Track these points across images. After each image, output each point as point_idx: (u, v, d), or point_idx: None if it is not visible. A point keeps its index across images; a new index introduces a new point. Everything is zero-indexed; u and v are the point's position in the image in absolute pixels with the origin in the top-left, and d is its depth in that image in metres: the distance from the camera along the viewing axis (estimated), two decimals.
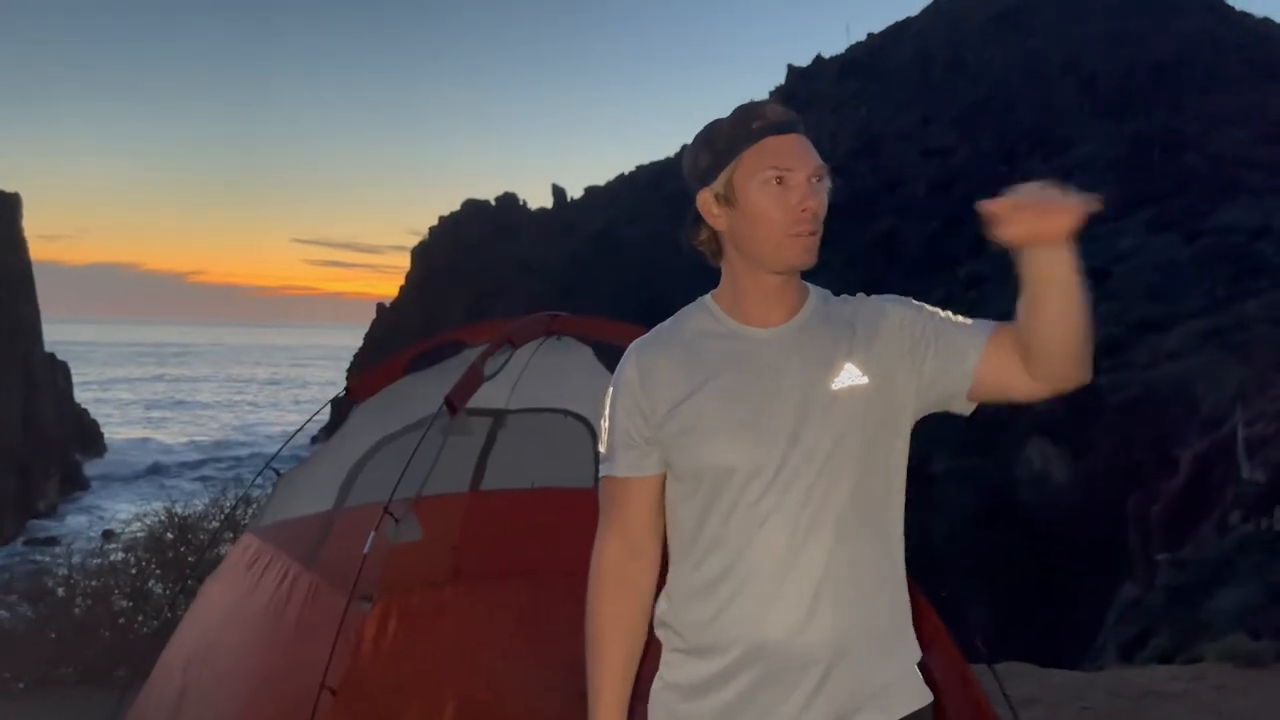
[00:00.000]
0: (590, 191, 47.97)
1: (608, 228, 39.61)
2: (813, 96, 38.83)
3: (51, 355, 45.43)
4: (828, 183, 1.55)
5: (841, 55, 40.01)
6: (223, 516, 5.69)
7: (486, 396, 3.76)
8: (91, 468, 46.31)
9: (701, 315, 1.61)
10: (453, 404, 3.12)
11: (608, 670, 1.59)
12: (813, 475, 1.50)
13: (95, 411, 53.39)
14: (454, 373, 3.49)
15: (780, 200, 1.50)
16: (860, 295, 1.65)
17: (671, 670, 1.58)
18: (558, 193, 50.14)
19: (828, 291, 1.65)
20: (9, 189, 42.94)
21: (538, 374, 3.95)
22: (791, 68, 41.70)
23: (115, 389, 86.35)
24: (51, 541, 27.57)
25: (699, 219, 1.59)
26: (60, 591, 5.75)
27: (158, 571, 5.86)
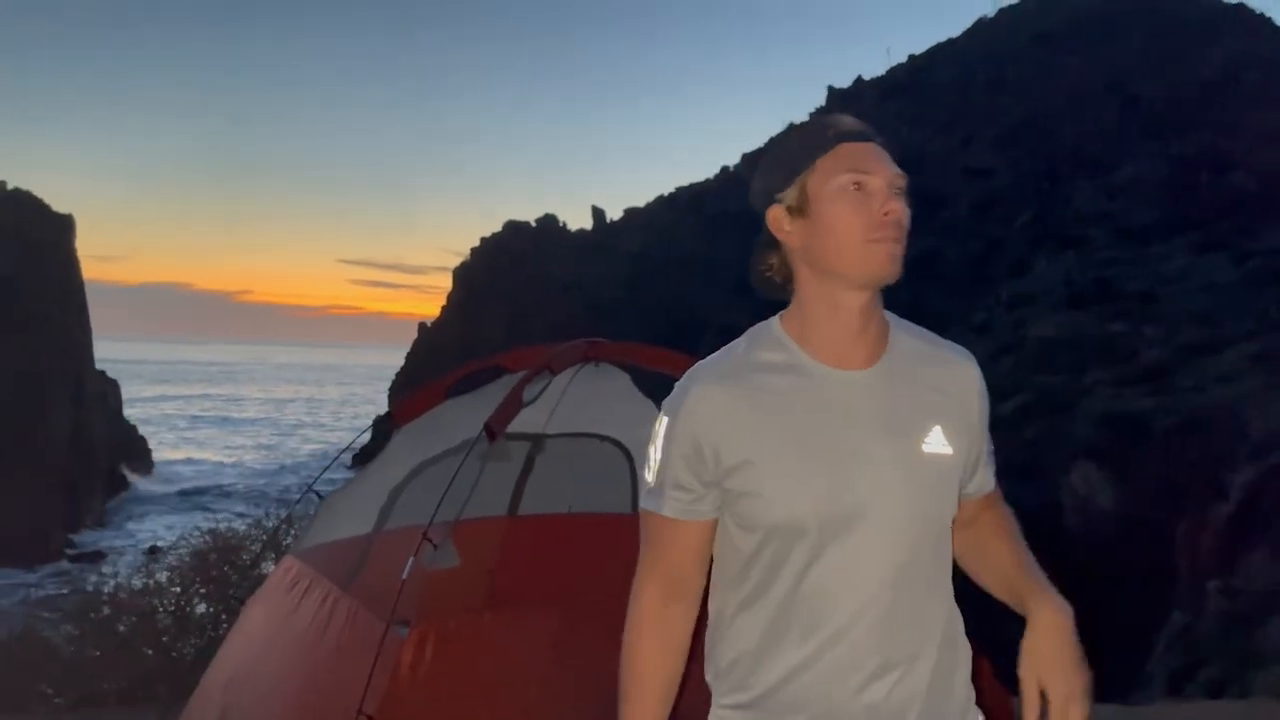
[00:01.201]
0: (629, 213, 48.19)
1: (646, 249, 39.71)
2: (850, 113, 38.70)
3: (102, 373, 46.30)
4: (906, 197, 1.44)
5: (882, 77, 39.98)
6: (264, 537, 5.76)
7: (525, 421, 3.78)
8: (139, 484, 47.06)
9: (771, 345, 1.47)
10: (492, 430, 3.15)
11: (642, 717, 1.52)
12: (891, 539, 1.42)
13: (144, 428, 54.27)
14: (493, 398, 3.51)
15: (860, 206, 1.39)
16: (942, 341, 1.55)
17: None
18: (597, 214, 50.41)
19: (907, 324, 1.54)
20: (62, 210, 44.05)
21: (576, 399, 3.97)
22: (832, 89, 41.68)
23: (163, 406, 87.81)
24: (98, 557, 28.04)
25: (770, 242, 1.48)
26: (105, 609, 5.85)
27: (201, 591, 5.94)
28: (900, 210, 1.40)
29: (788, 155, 1.45)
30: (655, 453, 1.50)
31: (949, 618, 1.50)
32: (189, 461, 57.72)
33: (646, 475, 1.52)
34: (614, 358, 3.80)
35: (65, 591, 7.04)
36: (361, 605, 3.01)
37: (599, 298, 39.57)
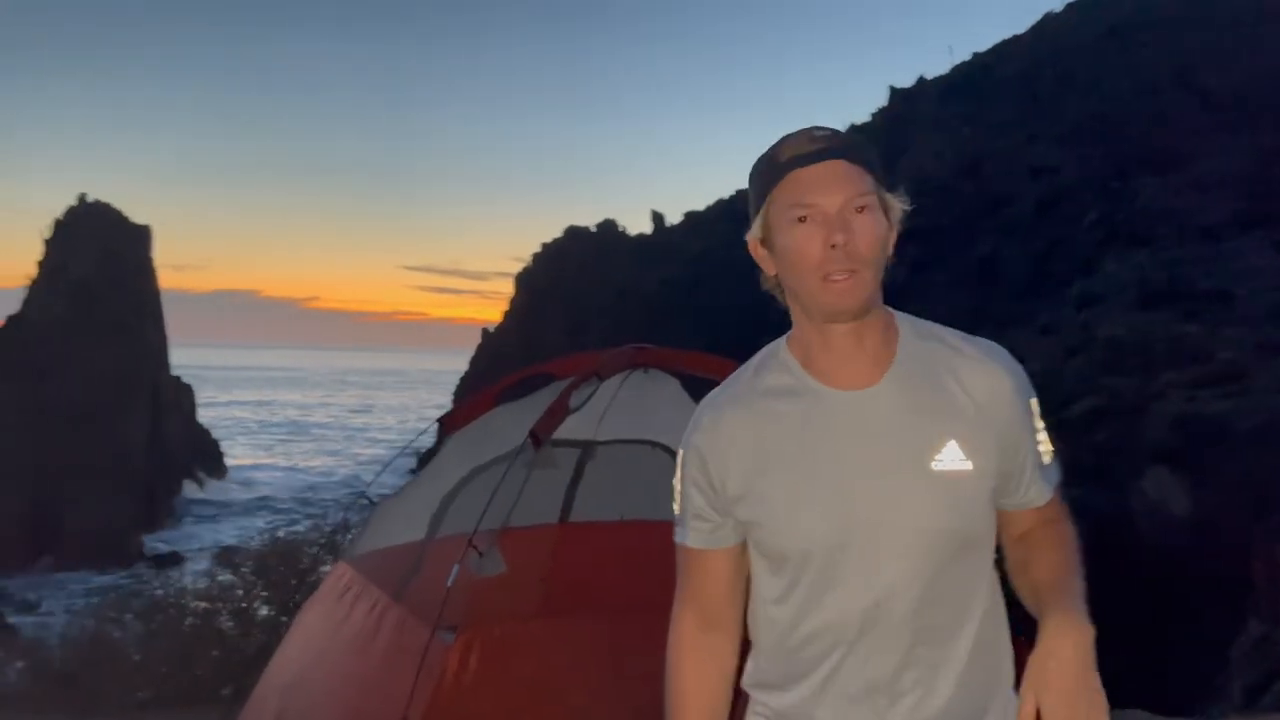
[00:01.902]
0: (689, 217, 48.09)
1: (706, 253, 39.58)
2: (915, 117, 38.21)
3: (177, 378, 47.62)
4: (890, 209, 1.37)
5: (945, 76, 39.36)
6: (322, 541, 5.86)
7: (574, 428, 3.79)
8: (212, 487, 48.27)
9: (776, 368, 1.45)
10: (537, 437, 3.16)
11: None
12: (901, 562, 1.37)
13: (216, 433, 55.61)
14: (542, 405, 3.53)
15: (808, 238, 1.33)
16: (966, 343, 1.44)
17: None
18: (657, 219, 50.45)
19: (921, 325, 1.46)
20: (140, 221, 45.45)
21: (625, 406, 3.97)
22: (893, 89, 41.16)
23: (235, 411, 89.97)
24: (172, 559, 28.80)
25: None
26: (171, 611, 6.00)
27: (264, 593, 6.07)
28: (848, 238, 1.32)
29: (752, 184, 1.41)
30: (677, 483, 1.51)
31: (981, 642, 1.42)
32: (259, 466, 59.03)
33: (674, 506, 1.53)
34: (662, 364, 3.79)
35: (137, 593, 7.23)
36: (409, 613, 3.04)
37: (659, 302, 39.58)
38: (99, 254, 41.21)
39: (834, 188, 1.33)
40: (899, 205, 1.39)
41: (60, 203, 46.94)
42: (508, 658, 2.92)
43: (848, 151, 1.35)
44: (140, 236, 45.15)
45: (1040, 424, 1.46)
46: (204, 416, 53.39)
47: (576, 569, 3.74)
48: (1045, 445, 1.47)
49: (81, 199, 43.63)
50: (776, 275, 1.42)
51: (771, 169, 1.37)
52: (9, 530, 33.64)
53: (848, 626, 1.39)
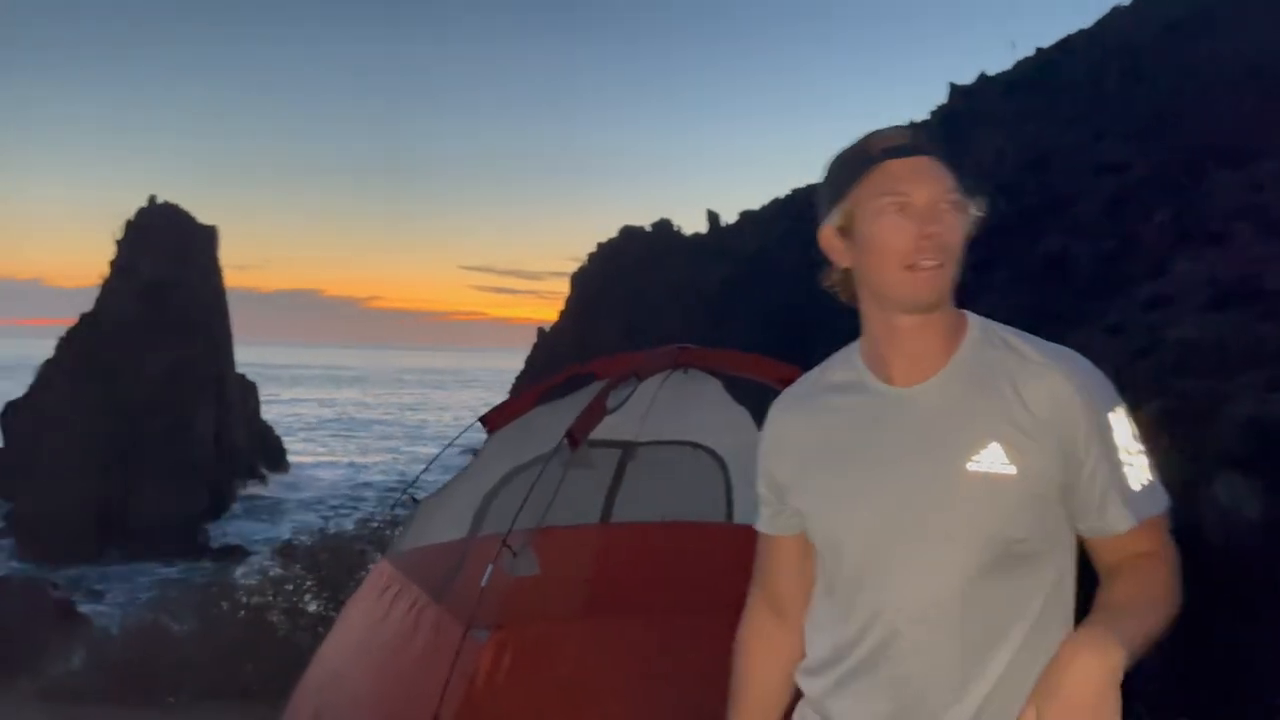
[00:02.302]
0: (744, 216, 47.85)
1: (761, 252, 39.34)
2: (976, 114, 37.56)
3: (242, 375, 48.69)
4: (969, 211, 1.36)
5: (1007, 72, 38.60)
6: (369, 538, 5.91)
7: (615, 428, 3.75)
8: (274, 483, 49.25)
9: (844, 365, 1.48)
10: (574, 437, 3.13)
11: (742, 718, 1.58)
12: (929, 563, 1.34)
13: (279, 430, 56.72)
14: (583, 405, 3.50)
15: (899, 228, 1.32)
16: (1037, 349, 1.38)
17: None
18: (712, 218, 50.27)
19: (995, 328, 1.42)
20: (207, 222, 46.55)
21: (667, 407, 3.93)
22: (954, 86, 40.45)
23: (298, 409, 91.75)
24: (235, 553, 29.44)
25: (830, 271, 1.45)
26: (224, 605, 6.09)
27: (313, 589, 6.13)
28: (942, 230, 1.32)
29: (835, 174, 1.40)
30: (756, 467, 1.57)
31: (1021, 663, 1.33)
32: (319, 464, 60.06)
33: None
34: (704, 364, 3.73)
35: (196, 586, 7.38)
36: (446, 612, 3.03)
37: (714, 302, 39.44)
38: (167, 254, 42.28)
39: (929, 180, 1.34)
40: (974, 210, 1.39)
41: (131, 204, 48.13)
42: (542, 658, 2.89)
43: (937, 150, 1.38)
44: (207, 236, 46.21)
45: (1130, 444, 1.36)
46: (267, 413, 54.45)
47: (618, 570, 3.71)
48: (1135, 468, 1.36)
49: (151, 200, 44.80)
50: (847, 269, 1.42)
51: (862, 159, 1.37)
52: (82, 521, 34.69)
53: (880, 623, 1.37)
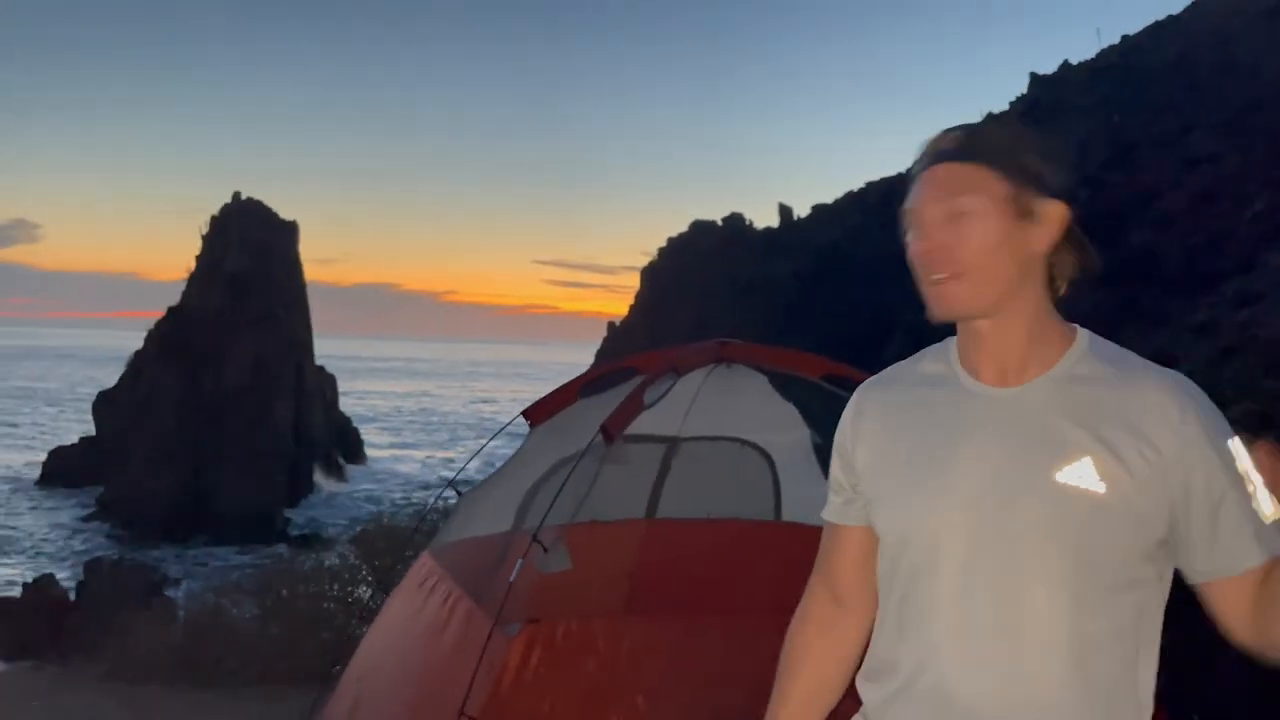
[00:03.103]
0: (817, 210, 47.33)
1: (834, 246, 38.86)
2: (1058, 104, 36.53)
3: (321, 368, 49.83)
4: (991, 217, 1.28)
5: (1091, 60, 37.41)
6: (424, 529, 5.95)
7: (658, 423, 3.70)
8: (350, 473, 50.33)
9: (937, 358, 1.43)
10: (609, 432, 3.09)
11: (785, 707, 1.50)
12: (996, 570, 1.27)
13: (357, 421, 57.93)
14: (622, 399, 3.45)
15: (911, 245, 1.34)
16: (1153, 372, 1.31)
17: None
18: (784, 211, 49.81)
19: (1106, 347, 1.35)
20: (288, 217, 47.75)
21: (710, 401, 3.86)
22: (1035, 76, 39.38)
23: (375, 401, 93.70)
24: (310, 541, 30.11)
25: None
26: (284, 593, 6.20)
27: (368, 577, 6.21)
28: (933, 246, 1.30)
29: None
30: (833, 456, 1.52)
31: (1091, 698, 1.26)
32: (395, 456, 61.19)
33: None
34: (746, 359, 3.66)
35: (267, 572, 7.54)
36: (478, 606, 3.02)
37: (785, 296, 39.10)
38: (250, 249, 43.42)
39: (930, 195, 1.31)
40: (1043, 202, 1.31)
41: (219, 200, 49.62)
42: (573, 655, 2.85)
43: (963, 154, 1.31)
44: (288, 231, 47.35)
45: (1251, 474, 1.26)
46: (345, 405, 55.59)
47: (659, 567, 3.65)
48: (1261, 500, 1.26)
49: (235, 196, 46.07)
50: None
51: (912, 169, 1.38)
52: (168, 507, 35.91)
53: (937, 622, 1.31)
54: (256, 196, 46.88)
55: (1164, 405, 1.27)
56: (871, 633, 1.44)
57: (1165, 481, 1.25)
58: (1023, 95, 38.69)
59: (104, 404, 42.44)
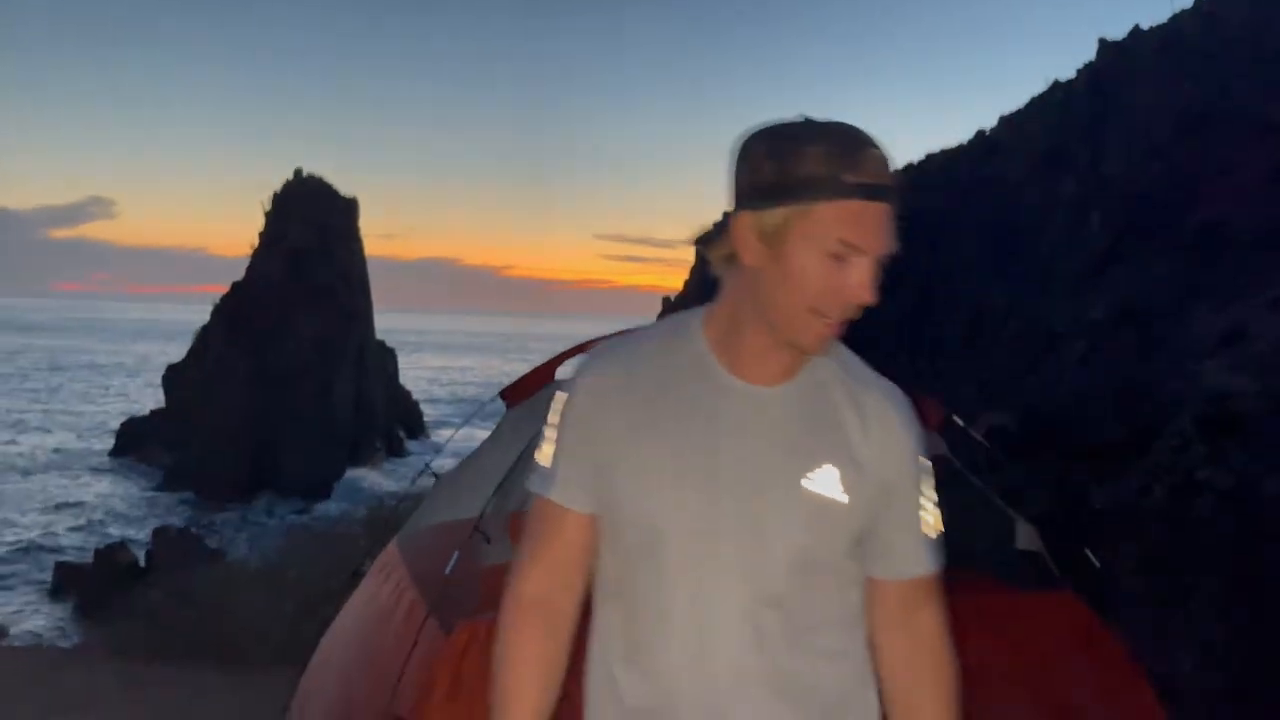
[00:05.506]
0: None
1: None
2: (1128, 72, 35.26)
3: (381, 342, 50.51)
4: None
5: (1164, 25, 35.89)
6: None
7: None
8: (413, 449, 50.97)
9: (683, 342, 1.38)
10: (505, 396, 2.93)
11: (520, 704, 1.40)
12: (749, 571, 1.31)
13: (417, 395, 58.59)
14: None
15: (832, 275, 1.23)
16: (876, 381, 1.39)
17: None
18: None
19: (851, 358, 1.40)
20: (348, 194, 48.35)
21: None
22: (1104, 42, 37.91)
23: (436, 375, 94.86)
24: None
25: (724, 230, 1.32)
26: (291, 574, 6.18)
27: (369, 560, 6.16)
28: (871, 298, 1.25)
29: (787, 171, 1.22)
30: (550, 432, 1.42)
31: (827, 685, 1.35)
32: (454, 429, 61.80)
33: (538, 456, 1.44)
34: None
35: (283, 545, 7.57)
36: (420, 598, 2.89)
37: None
38: (311, 225, 44.09)
39: (883, 238, 1.24)
40: None
41: (282, 175, 50.43)
42: None
43: (894, 198, 1.26)
44: (348, 209, 47.98)
45: (931, 494, 1.40)
46: (406, 380, 56.21)
47: None
48: (931, 518, 1.41)
49: (297, 174, 46.76)
50: (752, 265, 1.29)
51: (833, 182, 1.21)
52: (234, 478, 36.91)
53: (677, 632, 1.33)
54: (320, 173, 47.53)
55: (886, 412, 1.36)
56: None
57: (878, 483, 1.34)
58: (1091, 62, 37.35)
59: (173, 376, 43.57)
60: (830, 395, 1.35)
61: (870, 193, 1.21)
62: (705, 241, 1.37)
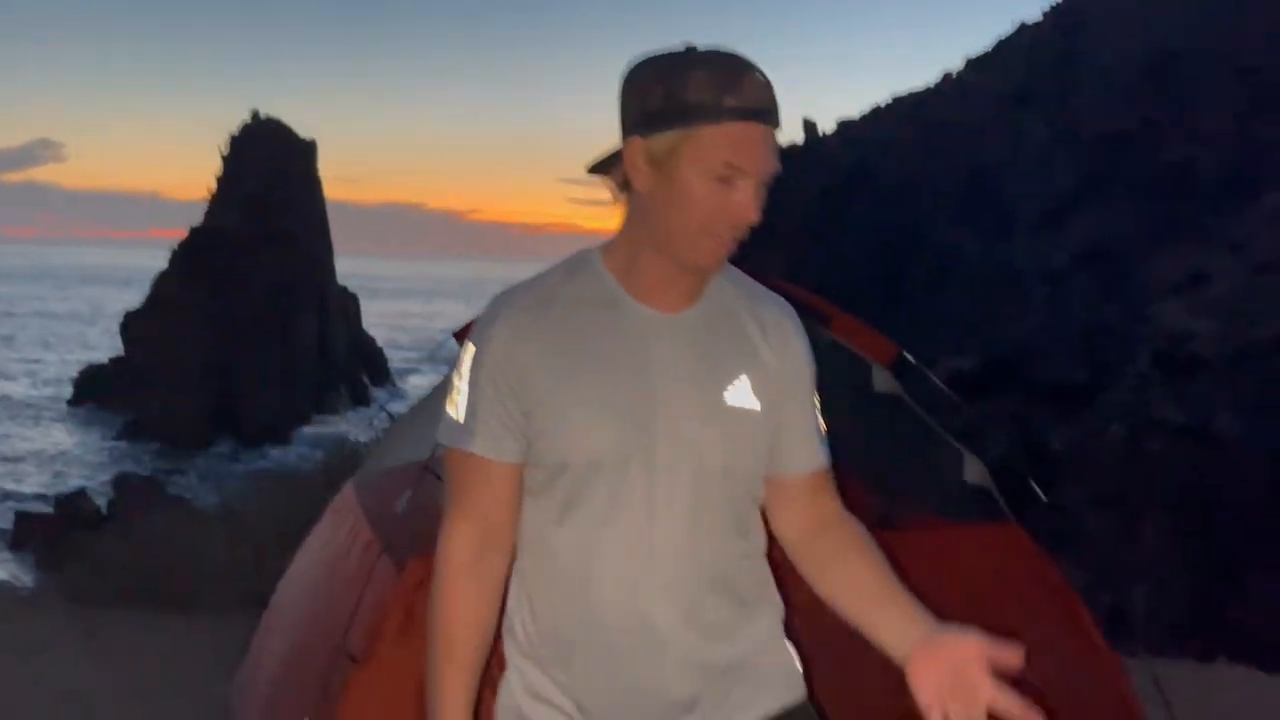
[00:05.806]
0: (842, 125, 46.12)
1: (860, 163, 37.97)
2: (1097, 12, 35.21)
3: (343, 288, 49.95)
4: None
5: None
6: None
7: None
8: (378, 396, 50.65)
9: (587, 279, 1.41)
10: (459, 335, 2.88)
11: (457, 674, 1.41)
12: (683, 489, 1.38)
13: (382, 342, 58.10)
14: None
15: (719, 195, 1.30)
16: (768, 296, 1.49)
17: (520, 676, 1.45)
18: (808, 127, 48.60)
19: (733, 271, 1.46)
20: (309, 135, 47.40)
21: None
22: None
23: (401, 321, 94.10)
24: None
25: (618, 159, 1.37)
26: (252, 519, 6.12)
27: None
28: (756, 216, 1.32)
29: (674, 97, 1.28)
30: (462, 384, 1.42)
31: (748, 581, 1.46)
32: (420, 375, 61.46)
33: (450, 409, 1.43)
34: None
35: (245, 487, 7.49)
36: (375, 538, 2.84)
37: (808, 215, 38.45)
38: (269, 169, 43.25)
39: (766, 159, 1.31)
40: None
41: (239, 116, 49.20)
42: None
43: (777, 119, 1.33)
44: (306, 152, 47.11)
45: (815, 398, 1.53)
46: (369, 326, 55.66)
47: None
48: (819, 417, 1.53)
49: (254, 116, 45.71)
50: (644, 190, 1.34)
51: (714, 105, 1.27)
52: (197, 424, 36.62)
53: (616, 555, 1.37)
54: (279, 113, 46.90)
55: (782, 325, 1.47)
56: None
57: (780, 385, 1.44)
58: (1058, 3, 37.18)
59: (131, 324, 42.87)
60: (733, 312, 1.43)
61: (751, 115, 1.27)
62: (601, 170, 1.41)
